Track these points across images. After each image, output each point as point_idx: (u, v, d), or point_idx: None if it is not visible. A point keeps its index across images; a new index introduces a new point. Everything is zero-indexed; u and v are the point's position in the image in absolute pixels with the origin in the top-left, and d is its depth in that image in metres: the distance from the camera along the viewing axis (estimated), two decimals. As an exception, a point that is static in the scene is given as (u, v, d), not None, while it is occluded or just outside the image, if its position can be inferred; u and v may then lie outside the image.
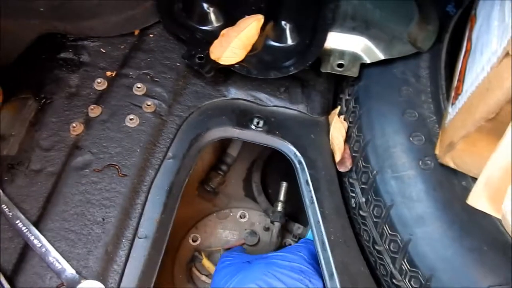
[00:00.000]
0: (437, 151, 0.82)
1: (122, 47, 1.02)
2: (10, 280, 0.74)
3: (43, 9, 0.99)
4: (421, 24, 0.96)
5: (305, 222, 1.15)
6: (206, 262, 1.07)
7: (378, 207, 0.85)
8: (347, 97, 1.00)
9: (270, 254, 0.93)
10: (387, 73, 0.94)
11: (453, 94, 0.81)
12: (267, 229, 1.17)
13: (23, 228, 0.78)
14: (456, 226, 0.77)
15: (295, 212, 1.19)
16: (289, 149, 0.95)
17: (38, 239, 0.77)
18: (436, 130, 0.85)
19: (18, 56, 1.01)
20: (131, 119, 0.91)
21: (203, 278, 1.09)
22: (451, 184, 0.80)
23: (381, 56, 0.94)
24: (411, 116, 0.87)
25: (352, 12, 0.99)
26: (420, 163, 0.83)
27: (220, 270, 0.92)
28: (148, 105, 0.93)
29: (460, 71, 0.79)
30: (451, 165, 0.78)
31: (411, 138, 0.85)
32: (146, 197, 0.85)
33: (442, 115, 0.85)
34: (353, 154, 0.93)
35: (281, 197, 1.11)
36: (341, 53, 0.97)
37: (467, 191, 0.77)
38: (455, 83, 0.82)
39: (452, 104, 0.79)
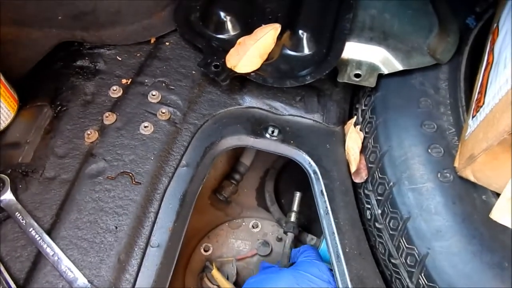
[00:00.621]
0: (456, 164, 0.80)
1: (138, 55, 1.03)
2: (22, 288, 0.73)
3: (62, 18, 1.00)
4: (441, 36, 0.95)
5: (318, 233, 1.14)
6: (215, 273, 1.06)
7: (395, 219, 0.83)
8: (364, 107, 0.98)
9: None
10: (405, 84, 0.93)
11: (473, 106, 0.79)
12: (279, 239, 1.16)
13: (36, 236, 0.78)
14: (476, 241, 0.74)
15: (308, 223, 1.18)
16: (304, 159, 0.94)
17: (51, 247, 0.77)
18: (456, 142, 0.83)
19: (36, 64, 1.02)
20: (145, 127, 0.91)
21: (214, 288, 1.08)
22: (471, 198, 0.78)
23: (399, 66, 0.93)
24: (429, 127, 0.86)
25: (370, 22, 0.99)
26: (439, 175, 0.81)
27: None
28: (163, 113, 0.93)
29: (482, 83, 0.78)
30: (471, 178, 0.76)
31: (429, 150, 0.83)
32: (159, 205, 0.84)
33: (462, 127, 0.84)
34: (369, 165, 0.92)
35: (295, 207, 1.10)
36: (359, 63, 0.96)
37: (487, 205, 0.76)
38: (475, 95, 0.80)
39: (473, 116, 0.78)
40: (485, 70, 0.79)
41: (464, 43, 0.95)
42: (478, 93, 0.78)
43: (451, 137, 0.84)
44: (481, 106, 0.74)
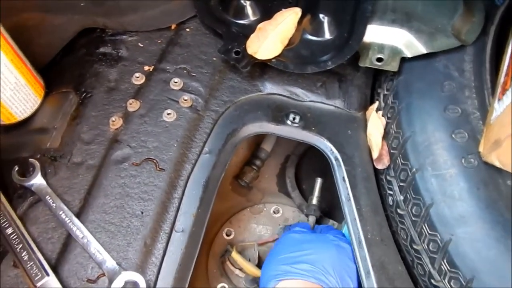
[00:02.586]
0: (481, 149, 0.79)
1: (159, 41, 1.03)
2: (54, 269, 0.76)
3: (84, 4, 1.01)
4: (465, 16, 0.92)
5: (339, 219, 1.14)
6: (235, 255, 1.07)
7: (417, 205, 0.82)
8: (386, 92, 0.97)
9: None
10: (429, 67, 0.91)
11: (499, 89, 0.78)
12: (301, 224, 1.16)
13: (66, 219, 0.80)
14: (500, 227, 0.74)
15: (329, 209, 1.18)
16: (325, 145, 0.94)
17: (80, 230, 0.79)
18: (481, 127, 0.82)
19: (60, 51, 1.04)
20: (168, 114, 0.92)
21: (237, 272, 1.09)
22: (496, 184, 0.77)
23: (423, 50, 0.91)
24: (453, 112, 0.84)
25: (392, 4, 0.96)
26: (463, 161, 0.80)
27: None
28: (185, 100, 0.94)
29: (508, 65, 0.76)
30: (496, 163, 0.75)
31: (453, 135, 0.82)
32: (183, 192, 0.86)
33: (487, 111, 0.82)
34: (391, 151, 0.91)
35: (316, 192, 1.10)
36: (381, 47, 0.94)
37: (512, 191, 0.75)
38: (502, 78, 0.78)
39: (499, 100, 0.76)
40: (512, 51, 0.76)
41: (490, 23, 0.92)
42: (505, 75, 0.76)
43: (476, 121, 0.83)
44: (508, 89, 0.72)
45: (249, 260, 1.08)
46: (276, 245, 0.94)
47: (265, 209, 1.19)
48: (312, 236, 0.93)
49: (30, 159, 0.87)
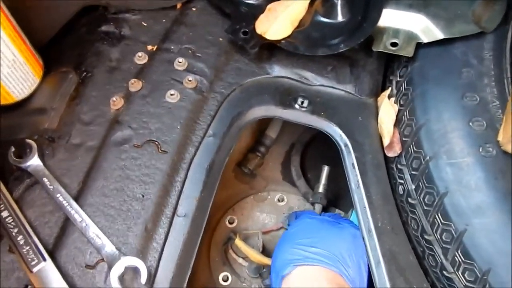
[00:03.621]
0: (500, 138, 0.76)
1: (164, 21, 0.99)
2: (51, 254, 0.73)
3: (86, -19, 0.97)
4: (487, 3, 0.89)
5: (345, 209, 1.11)
6: (239, 242, 1.04)
7: (430, 194, 0.80)
8: (399, 79, 0.94)
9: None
10: (446, 53, 0.88)
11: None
12: (306, 213, 1.13)
13: (64, 202, 0.77)
14: (518, 218, 0.71)
15: (335, 198, 1.15)
16: (335, 131, 0.91)
17: (79, 214, 0.76)
18: (499, 115, 0.79)
19: (60, 29, 1.00)
20: (171, 95, 0.89)
21: (240, 260, 1.06)
22: (514, 174, 0.74)
23: (440, 35, 0.87)
24: (471, 100, 0.81)
25: (409, -13, 0.93)
26: (481, 149, 0.77)
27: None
28: (189, 81, 0.90)
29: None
30: (516, 152, 0.72)
31: (470, 123, 0.79)
32: (186, 175, 0.82)
33: (507, 99, 0.79)
34: (403, 139, 0.88)
35: (322, 180, 1.08)
36: (396, 32, 0.91)
37: (532, 181, 0.72)
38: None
39: (520, 87, 0.73)
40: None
41: (512, 11, 0.89)
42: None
43: (495, 110, 0.80)
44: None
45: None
46: (292, 227, 0.90)
47: (269, 197, 1.16)
48: (329, 223, 0.90)
49: (27, 140, 0.84)
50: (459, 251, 0.74)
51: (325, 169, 1.07)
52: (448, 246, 0.76)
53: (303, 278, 0.81)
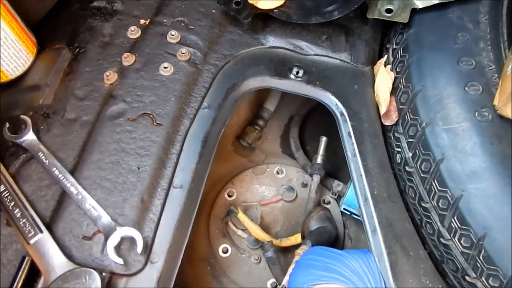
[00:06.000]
0: (496, 102, 0.75)
1: (156, -6, 0.98)
2: (48, 226, 0.74)
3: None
4: (482, -37, 0.86)
5: (345, 180, 1.11)
6: (241, 216, 1.05)
7: (427, 161, 0.79)
8: (395, 46, 0.92)
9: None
10: (442, 18, 0.86)
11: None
12: (305, 185, 1.14)
13: (60, 176, 0.77)
14: (514, 183, 0.70)
15: (334, 170, 1.15)
16: (330, 100, 0.90)
17: (75, 187, 0.76)
18: (496, 79, 0.78)
19: (53, 7, 0.99)
20: (165, 68, 0.88)
21: (239, 232, 1.07)
22: (510, 138, 0.73)
23: (435, -1, 0.85)
24: (467, 64, 0.80)
25: (404, -49, 0.90)
26: (476, 114, 0.76)
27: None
28: (183, 53, 0.89)
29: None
30: (512, 116, 0.71)
31: (466, 88, 0.78)
32: (181, 147, 0.82)
33: (503, 63, 0.78)
34: (400, 107, 0.87)
35: (321, 151, 1.07)
36: (390, -3, 0.89)
37: (528, 145, 0.71)
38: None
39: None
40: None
41: (509, -26, 0.86)
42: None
43: (491, 74, 0.79)
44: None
45: (251, 220, 1.06)
46: (305, 255, 0.89)
47: (268, 169, 1.16)
48: (339, 251, 0.87)
49: (21, 116, 0.84)
50: (455, 217, 0.74)
51: (323, 140, 1.07)
52: (445, 213, 0.76)
53: None
